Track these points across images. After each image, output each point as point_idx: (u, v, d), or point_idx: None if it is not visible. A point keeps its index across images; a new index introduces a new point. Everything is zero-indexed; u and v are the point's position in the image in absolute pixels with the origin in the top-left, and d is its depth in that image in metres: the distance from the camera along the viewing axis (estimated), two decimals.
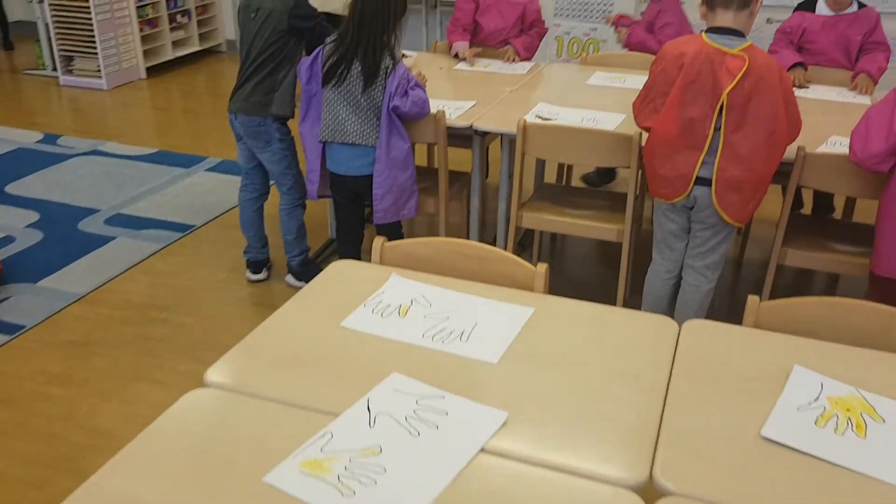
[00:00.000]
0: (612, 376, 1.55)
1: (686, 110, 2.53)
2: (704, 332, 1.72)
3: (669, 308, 2.92)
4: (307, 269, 3.48)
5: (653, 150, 2.65)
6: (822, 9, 3.73)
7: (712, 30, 2.52)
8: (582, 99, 3.42)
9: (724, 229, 2.69)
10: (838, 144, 2.85)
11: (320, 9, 3.21)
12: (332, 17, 3.46)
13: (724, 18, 2.50)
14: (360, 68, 2.85)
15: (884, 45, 3.67)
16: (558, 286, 1.98)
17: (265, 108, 3.18)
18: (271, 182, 3.42)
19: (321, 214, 4.09)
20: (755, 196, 2.64)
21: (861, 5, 3.71)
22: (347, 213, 3.16)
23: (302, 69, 2.98)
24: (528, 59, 4.12)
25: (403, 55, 3.88)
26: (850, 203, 3.64)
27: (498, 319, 1.73)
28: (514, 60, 4.09)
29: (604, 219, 3.10)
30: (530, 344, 1.65)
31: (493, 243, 2.93)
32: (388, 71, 2.85)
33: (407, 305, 1.78)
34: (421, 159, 3.46)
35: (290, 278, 3.52)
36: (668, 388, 1.52)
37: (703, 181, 2.59)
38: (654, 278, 2.91)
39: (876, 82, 3.61)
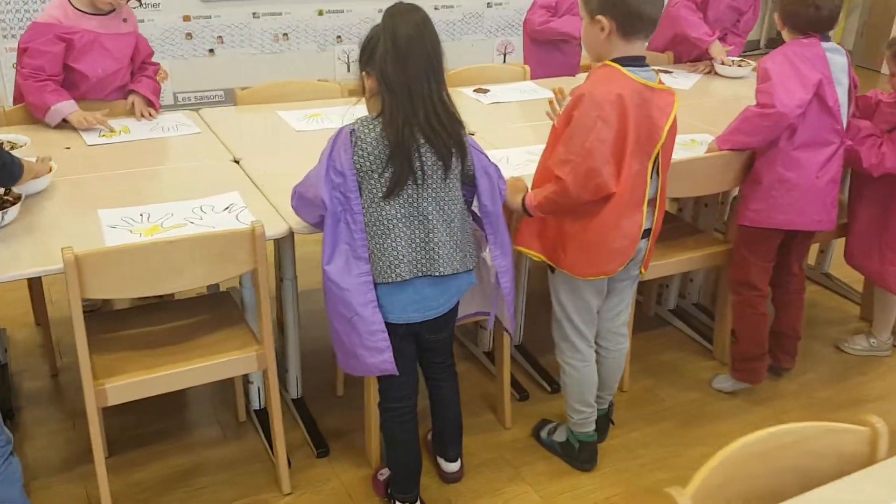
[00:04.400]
0: None
1: (633, 164, 2.07)
2: None
3: None
4: None
5: (604, 223, 2.09)
6: None
7: (626, 60, 2.05)
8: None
9: (637, 278, 2.36)
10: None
11: None
12: None
13: (641, 47, 2.07)
14: (433, 156, 1.91)
15: None
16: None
17: None
18: None
19: None
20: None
21: None
22: (407, 359, 2.09)
23: (322, 186, 1.89)
24: (158, 108, 2.94)
25: (11, 145, 2.43)
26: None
27: None
28: (150, 115, 2.87)
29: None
30: None
31: None
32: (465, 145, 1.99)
33: None
34: None
35: None
36: None
37: (645, 233, 2.19)
38: (586, 368, 2.33)
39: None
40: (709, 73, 3.72)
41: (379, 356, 1.97)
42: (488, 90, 3.39)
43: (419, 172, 1.90)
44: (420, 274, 1.95)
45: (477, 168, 2.01)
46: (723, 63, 3.64)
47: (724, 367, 2.89)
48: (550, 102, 2.42)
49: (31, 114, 2.74)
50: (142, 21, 5.23)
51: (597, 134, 1.97)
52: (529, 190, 2.26)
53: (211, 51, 5.53)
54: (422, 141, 1.89)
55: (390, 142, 1.87)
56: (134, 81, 2.89)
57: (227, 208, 2.17)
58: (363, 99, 2.02)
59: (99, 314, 2.13)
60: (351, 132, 1.90)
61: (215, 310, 2.29)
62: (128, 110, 2.86)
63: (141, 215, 2.10)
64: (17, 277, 1.84)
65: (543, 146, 2.64)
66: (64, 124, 2.72)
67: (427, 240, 1.94)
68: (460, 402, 2.29)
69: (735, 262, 2.69)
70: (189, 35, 5.43)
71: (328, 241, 1.94)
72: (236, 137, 2.72)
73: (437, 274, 1.96)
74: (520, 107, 3.22)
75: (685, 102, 3.26)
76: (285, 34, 5.70)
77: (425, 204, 1.93)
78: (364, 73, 1.94)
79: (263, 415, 2.55)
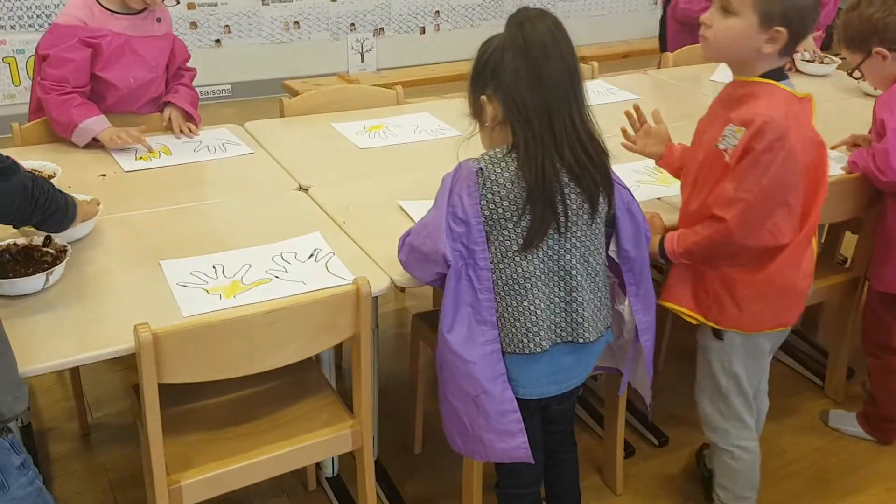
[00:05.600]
0: None
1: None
2: None
3: None
4: None
5: (789, 260, 1.75)
6: None
7: (779, 73, 1.72)
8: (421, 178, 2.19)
9: None
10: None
11: None
12: None
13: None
14: (578, 197, 1.57)
15: None
16: None
17: None
18: None
19: None
20: None
21: None
22: (536, 439, 1.71)
23: (442, 239, 1.54)
24: (199, 122, 2.55)
25: (38, 174, 2.05)
26: None
27: None
28: (190, 132, 2.48)
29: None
30: None
31: None
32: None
33: None
34: None
35: None
36: None
37: None
38: (757, 446, 1.96)
39: None
40: (789, 69, 3.38)
41: (510, 441, 1.62)
42: None
43: (562, 218, 1.56)
44: (559, 341, 1.62)
45: (619, 205, 1.67)
46: (805, 59, 3.32)
47: (838, 405, 2.60)
48: (624, 130, 2.07)
49: (54, 131, 2.34)
50: None
51: (780, 167, 1.63)
52: (664, 226, 1.94)
53: (217, 41, 5.11)
54: (566, 179, 1.55)
55: (528, 182, 1.52)
56: (170, 92, 2.50)
57: (311, 255, 1.81)
58: (478, 128, 1.67)
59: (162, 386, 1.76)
60: (478, 171, 1.54)
61: (293, 371, 1.92)
62: (164, 126, 2.47)
63: (213, 268, 1.73)
64: (78, 363, 1.46)
65: (652, 163, 2.31)
66: (93, 143, 2.33)
67: (569, 300, 1.60)
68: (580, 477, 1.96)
69: (872, 325, 2.35)
70: (194, 24, 5.00)
71: (449, 303, 1.59)
72: (295, 159, 2.34)
73: (580, 341, 1.62)
74: (608, 111, 2.84)
75: None
76: (296, 22, 5.29)
77: (568, 256, 1.59)
78: (484, 97, 1.59)
79: (338, 483, 2.21)
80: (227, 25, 5.10)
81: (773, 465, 2.37)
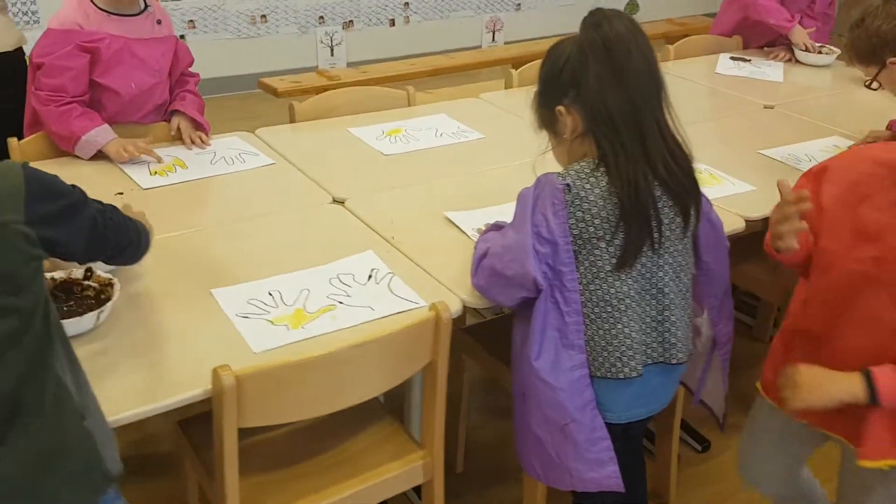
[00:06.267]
0: None
1: None
2: None
3: None
4: None
5: None
6: None
7: None
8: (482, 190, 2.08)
9: None
10: None
11: None
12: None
13: None
14: (670, 211, 1.48)
15: None
16: None
17: (87, 482, 1.13)
18: None
19: None
20: None
21: None
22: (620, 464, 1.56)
23: (529, 261, 1.44)
24: (209, 130, 2.38)
25: None
26: None
27: None
28: (201, 142, 2.31)
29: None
30: None
31: None
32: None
33: None
34: None
35: None
36: None
37: None
38: None
39: None
40: (788, 60, 3.37)
41: (601, 470, 1.54)
42: None
43: (656, 234, 1.47)
44: (650, 362, 1.54)
45: (701, 215, 1.59)
46: (806, 49, 3.31)
47: None
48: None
49: (55, 145, 2.16)
50: None
51: None
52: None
53: (181, 37, 4.87)
54: (658, 192, 1.46)
55: (621, 199, 1.43)
56: (176, 99, 2.33)
57: (370, 276, 1.69)
58: (550, 143, 1.58)
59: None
60: (565, 188, 1.44)
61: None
62: (172, 136, 2.30)
63: (270, 295, 1.60)
64: (155, 412, 1.32)
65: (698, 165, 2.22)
66: (98, 156, 2.15)
67: (661, 319, 1.52)
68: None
69: None
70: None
71: (537, 328, 1.49)
72: (320, 168, 2.19)
73: (673, 362, 1.55)
74: None
75: (795, 98, 2.81)
76: (263, 16, 5.09)
77: (661, 274, 1.51)
78: (562, 108, 1.48)
79: None
80: (191, 20, 4.87)
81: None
